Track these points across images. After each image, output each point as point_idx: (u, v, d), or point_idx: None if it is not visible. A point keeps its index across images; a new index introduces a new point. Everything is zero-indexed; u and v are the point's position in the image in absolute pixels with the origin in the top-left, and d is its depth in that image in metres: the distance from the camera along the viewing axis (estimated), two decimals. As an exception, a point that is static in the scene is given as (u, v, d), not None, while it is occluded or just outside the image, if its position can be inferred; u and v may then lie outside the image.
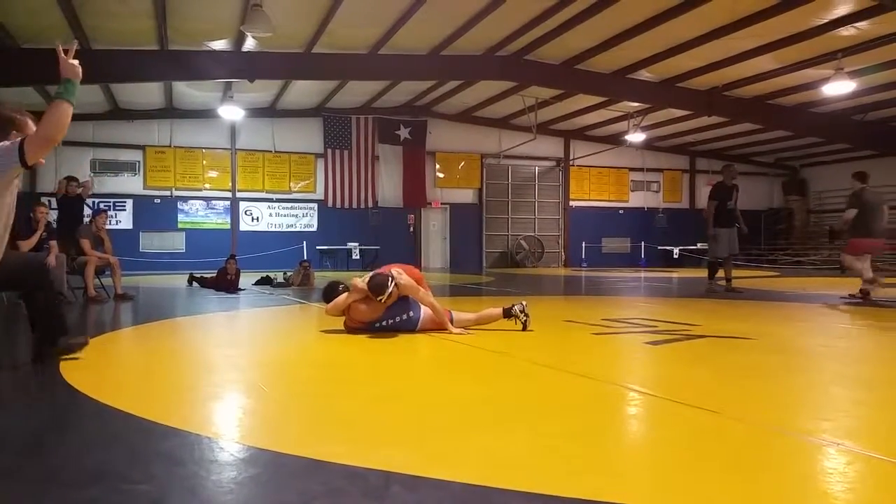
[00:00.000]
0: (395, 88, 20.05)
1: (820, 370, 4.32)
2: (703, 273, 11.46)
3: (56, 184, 12.01)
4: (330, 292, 5.83)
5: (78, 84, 3.30)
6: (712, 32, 14.25)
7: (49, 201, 10.63)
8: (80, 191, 10.91)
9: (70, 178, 11.00)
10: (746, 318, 7.30)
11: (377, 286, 5.25)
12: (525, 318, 5.58)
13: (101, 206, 18.99)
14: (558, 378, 3.88)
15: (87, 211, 11.48)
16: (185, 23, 13.64)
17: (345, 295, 5.54)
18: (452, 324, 5.51)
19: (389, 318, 5.45)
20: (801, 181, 28.23)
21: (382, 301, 5.27)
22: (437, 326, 5.51)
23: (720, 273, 11.04)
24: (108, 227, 11.43)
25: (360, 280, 5.49)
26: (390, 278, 5.29)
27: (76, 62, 3.27)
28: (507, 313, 5.66)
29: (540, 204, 25.90)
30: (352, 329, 5.58)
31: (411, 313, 5.48)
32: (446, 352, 4.85)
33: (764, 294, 10.82)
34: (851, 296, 9.47)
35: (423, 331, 5.47)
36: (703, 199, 27.42)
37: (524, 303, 5.70)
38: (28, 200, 17.22)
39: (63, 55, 3.26)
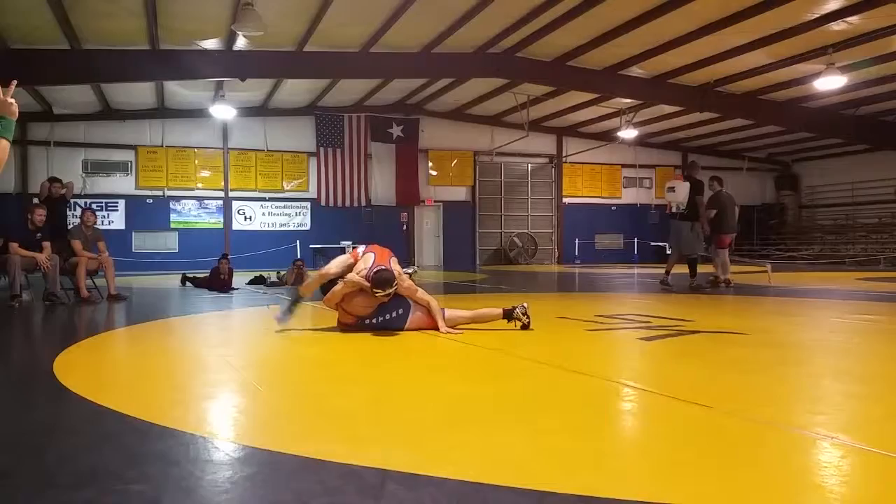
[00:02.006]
0: (387, 86, 20.01)
1: (813, 364, 4.34)
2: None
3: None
4: (328, 285, 5.79)
5: (14, 122, 3.30)
6: (703, 28, 14.27)
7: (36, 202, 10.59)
8: (63, 192, 10.87)
9: (53, 180, 10.96)
10: (740, 313, 7.33)
11: (383, 281, 5.17)
12: (527, 319, 5.45)
13: (93, 206, 18.98)
14: (553, 375, 3.88)
15: (75, 212, 11.46)
16: (176, 22, 13.58)
17: (340, 284, 5.46)
18: (445, 321, 5.48)
19: (381, 314, 5.43)
20: (794, 176, 28.33)
21: (379, 296, 5.24)
22: (427, 326, 5.48)
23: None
24: (100, 227, 11.40)
25: (356, 274, 5.40)
26: (395, 277, 5.27)
27: (13, 101, 3.28)
28: (508, 315, 5.50)
29: (533, 201, 25.91)
30: (345, 325, 5.57)
31: (401, 311, 5.45)
32: (441, 349, 4.85)
33: (757, 289, 10.85)
34: (725, 282, 10.77)
35: (412, 329, 5.45)
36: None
37: (526, 304, 5.54)
38: (20, 202, 17.25)
39: (0, 94, 3.26)
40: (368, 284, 5.26)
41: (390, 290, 5.21)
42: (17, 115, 3.32)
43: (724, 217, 10.93)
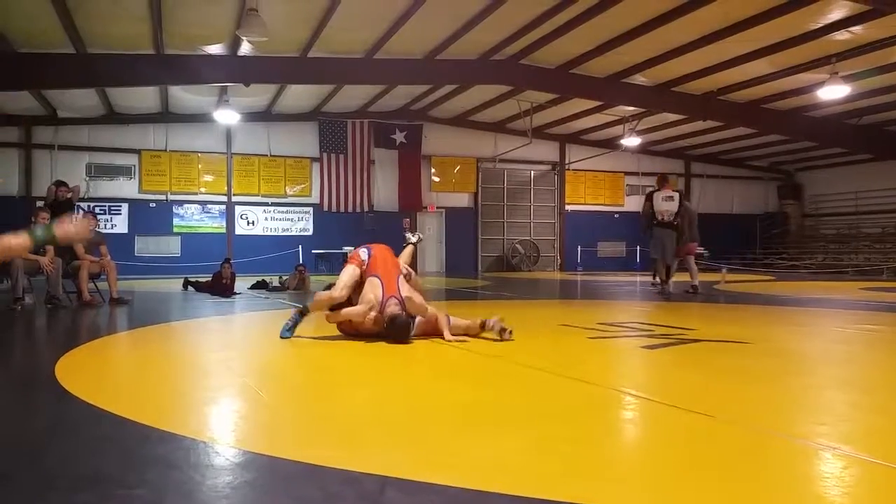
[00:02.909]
0: (390, 93, 20.07)
1: (816, 374, 4.33)
2: (698, 277, 11.75)
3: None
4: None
5: (52, 237, 3.21)
6: (707, 37, 14.31)
7: (40, 206, 10.61)
8: (69, 195, 10.88)
9: (59, 183, 10.97)
10: (742, 322, 7.31)
11: (399, 331, 5.11)
12: (499, 333, 5.28)
13: (97, 210, 19.03)
14: (554, 382, 3.87)
15: (79, 215, 11.49)
16: (181, 27, 13.64)
17: (354, 310, 5.33)
18: (450, 329, 5.45)
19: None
20: (797, 185, 28.33)
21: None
22: (428, 333, 5.45)
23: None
24: (103, 230, 11.41)
25: (366, 307, 5.27)
26: (411, 319, 5.22)
27: (75, 229, 3.20)
28: (483, 326, 5.42)
29: (536, 208, 25.93)
30: (347, 333, 5.56)
31: None
32: (442, 356, 4.84)
33: (759, 298, 10.84)
34: (693, 288, 11.37)
35: (415, 336, 5.43)
36: (703, 204, 27.58)
37: (497, 317, 5.40)
38: (24, 205, 17.28)
39: (71, 223, 3.18)
40: (383, 319, 5.20)
41: (412, 335, 5.20)
42: (62, 238, 3.17)
43: (689, 227, 11.89)
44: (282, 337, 5.45)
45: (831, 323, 7.38)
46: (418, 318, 5.47)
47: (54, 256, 8.88)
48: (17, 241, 3.01)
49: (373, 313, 5.25)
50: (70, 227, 3.13)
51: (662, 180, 12.01)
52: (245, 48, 14.81)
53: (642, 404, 3.32)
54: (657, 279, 11.84)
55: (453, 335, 5.36)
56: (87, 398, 3.28)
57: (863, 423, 3.00)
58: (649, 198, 11.71)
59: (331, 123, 22.48)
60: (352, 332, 5.52)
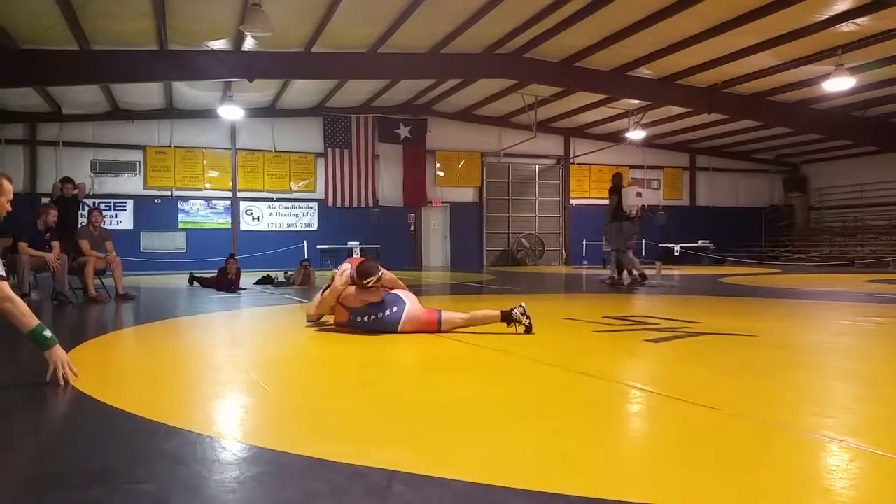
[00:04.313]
0: (394, 87, 20.05)
1: (822, 366, 4.32)
2: (704, 271, 11.87)
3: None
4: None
5: (49, 346, 3.54)
6: (712, 29, 14.26)
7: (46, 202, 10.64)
8: (75, 192, 10.90)
9: (65, 180, 11.00)
10: (747, 315, 7.30)
11: (365, 271, 5.37)
12: (528, 321, 5.26)
13: (102, 206, 19.04)
14: (559, 376, 3.87)
15: (84, 211, 11.52)
16: (185, 23, 13.64)
17: (328, 292, 5.65)
18: (441, 324, 5.38)
19: (376, 312, 5.42)
20: (802, 178, 28.23)
21: (369, 285, 5.35)
22: (422, 329, 5.39)
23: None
24: (108, 227, 11.43)
25: (344, 274, 5.65)
26: (378, 267, 5.47)
27: (62, 371, 3.49)
28: (507, 318, 5.30)
29: (540, 202, 25.90)
30: (341, 324, 5.61)
31: (395, 308, 5.38)
32: (448, 350, 4.85)
33: (765, 291, 10.82)
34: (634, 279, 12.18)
35: (407, 332, 5.34)
36: (708, 197, 27.53)
37: (524, 304, 5.37)
38: (29, 202, 17.33)
39: (68, 371, 3.50)
40: (354, 276, 5.47)
41: (377, 275, 5.36)
42: (48, 356, 3.53)
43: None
44: (308, 321, 6.08)
45: (837, 315, 7.36)
46: (407, 315, 5.41)
47: (60, 253, 8.92)
48: (29, 318, 3.34)
49: (345, 275, 5.61)
50: (59, 365, 3.48)
51: (620, 177, 12.86)
52: (249, 43, 14.81)
53: (648, 398, 3.32)
54: (619, 275, 12.40)
55: (448, 330, 5.39)
56: (93, 394, 3.29)
57: (869, 415, 2.99)
58: (616, 191, 12.22)
59: (335, 118, 22.48)
60: (343, 319, 5.57)
